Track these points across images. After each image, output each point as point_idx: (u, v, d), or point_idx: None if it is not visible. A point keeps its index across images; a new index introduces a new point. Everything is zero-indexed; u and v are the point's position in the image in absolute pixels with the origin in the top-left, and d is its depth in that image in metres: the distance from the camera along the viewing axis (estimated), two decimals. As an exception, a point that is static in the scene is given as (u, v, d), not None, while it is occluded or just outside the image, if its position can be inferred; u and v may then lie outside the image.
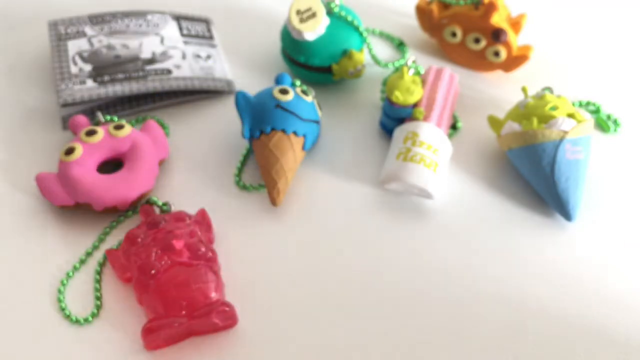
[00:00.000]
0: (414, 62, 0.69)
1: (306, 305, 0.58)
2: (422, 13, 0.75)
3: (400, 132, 0.65)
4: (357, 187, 0.65)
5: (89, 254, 0.60)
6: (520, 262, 0.60)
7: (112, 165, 0.65)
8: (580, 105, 0.71)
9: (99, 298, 0.58)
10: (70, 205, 0.61)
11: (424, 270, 0.60)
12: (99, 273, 0.59)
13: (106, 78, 0.69)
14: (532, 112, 0.63)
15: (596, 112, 0.71)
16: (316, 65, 0.70)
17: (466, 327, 0.56)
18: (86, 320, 0.56)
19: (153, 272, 0.55)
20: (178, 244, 0.56)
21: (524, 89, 0.67)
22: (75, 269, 0.59)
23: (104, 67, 0.70)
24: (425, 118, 0.65)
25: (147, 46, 0.72)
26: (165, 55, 0.72)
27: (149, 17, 0.75)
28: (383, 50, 0.77)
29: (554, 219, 0.63)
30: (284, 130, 0.63)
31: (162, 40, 0.73)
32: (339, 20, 0.70)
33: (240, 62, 0.76)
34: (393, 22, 0.80)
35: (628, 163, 0.67)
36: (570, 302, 0.58)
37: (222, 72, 0.73)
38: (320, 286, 0.59)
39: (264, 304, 0.57)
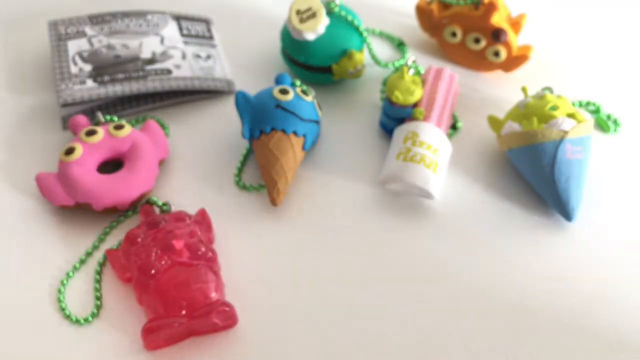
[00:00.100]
0: (414, 62, 0.69)
1: (306, 305, 0.57)
2: (422, 13, 0.75)
3: (400, 132, 0.65)
4: (357, 187, 0.65)
5: (89, 254, 0.60)
6: (520, 262, 0.60)
7: (112, 165, 0.65)
8: (580, 105, 0.71)
9: (99, 298, 0.58)
10: (70, 205, 0.61)
11: (424, 270, 0.60)
12: (99, 273, 0.59)
13: (106, 78, 0.69)
14: (532, 112, 0.63)
15: (596, 112, 0.71)
16: (316, 65, 0.70)
17: (466, 327, 0.56)
18: (86, 320, 0.56)
19: (153, 272, 0.55)
20: (178, 244, 0.56)
21: (524, 89, 0.67)
22: (75, 269, 0.59)
23: (104, 67, 0.70)
24: (425, 118, 0.65)
25: (147, 46, 0.72)
26: (165, 55, 0.72)
27: (149, 17, 0.75)
28: (383, 50, 0.77)
29: (554, 219, 0.63)
30: (284, 130, 0.63)
31: (162, 40, 0.73)
32: (339, 20, 0.70)
33: (240, 62, 0.76)
34: (393, 22, 0.80)
35: (628, 163, 0.67)
36: (570, 302, 0.58)
37: (222, 72, 0.73)
38: (320, 286, 0.59)
39: (264, 304, 0.57)
